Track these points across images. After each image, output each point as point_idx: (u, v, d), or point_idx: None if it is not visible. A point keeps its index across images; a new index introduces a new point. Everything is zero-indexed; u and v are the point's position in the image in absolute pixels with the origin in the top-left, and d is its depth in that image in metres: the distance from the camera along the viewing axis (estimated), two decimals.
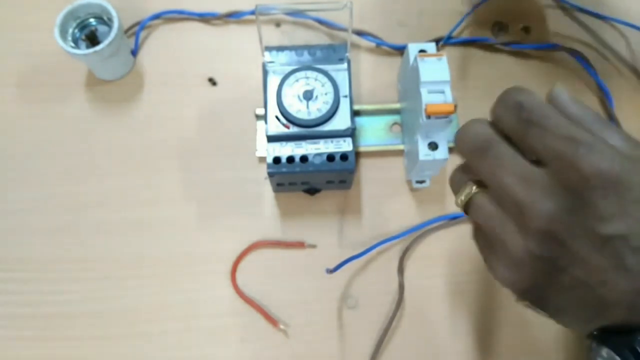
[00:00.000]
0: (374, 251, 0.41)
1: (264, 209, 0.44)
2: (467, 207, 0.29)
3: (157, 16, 0.49)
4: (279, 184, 0.42)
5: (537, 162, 0.26)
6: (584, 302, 0.27)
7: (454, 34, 0.49)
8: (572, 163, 0.24)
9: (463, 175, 0.30)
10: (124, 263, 0.42)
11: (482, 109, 0.46)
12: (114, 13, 0.43)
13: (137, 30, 0.48)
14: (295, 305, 0.41)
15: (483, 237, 0.30)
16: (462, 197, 0.29)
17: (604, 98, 0.47)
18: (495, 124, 0.28)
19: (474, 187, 0.29)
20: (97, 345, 0.40)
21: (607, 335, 0.26)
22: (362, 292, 0.42)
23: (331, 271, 0.39)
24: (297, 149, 0.39)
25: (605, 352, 0.26)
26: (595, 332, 0.27)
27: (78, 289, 0.41)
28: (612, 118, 0.46)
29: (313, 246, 0.43)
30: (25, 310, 0.40)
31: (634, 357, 0.24)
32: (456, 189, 0.30)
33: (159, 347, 0.40)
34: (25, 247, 0.42)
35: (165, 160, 0.45)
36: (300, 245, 0.42)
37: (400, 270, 0.42)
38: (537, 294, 0.28)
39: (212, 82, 0.47)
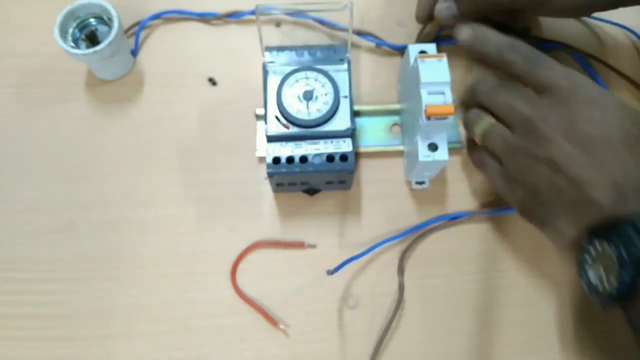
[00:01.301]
0: (374, 251, 0.41)
1: (263, 209, 0.44)
2: (484, 135, 0.38)
3: (157, 16, 0.49)
4: (278, 184, 0.42)
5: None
6: (575, 200, 0.34)
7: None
8: (572, 90, 0.35)
9: (479, 113, 0.39)
10: (124, 263, 0.42)
11: None
12: (114, 13, 0.43)
13: (137, 30, 0.48)
14: (295, 305, 0.41)
15: (491, 165, 0.39)
16: (482, 126, 0.38)
17: None
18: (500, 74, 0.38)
19: (492, 119, 0.38)
20: (97, 345, 0.40)
21: (596, 231, 0.32)
22: (362, 292, 0.42)
23: (331, 272, 0.39)
24: (296, 149, 0.39)
25: (592, 249, 0.32)
26: (582, 232, 0.33)
27: (78, 289, 0.41)
28: None
29: (313, 246, 0.43)
30: (25, 310, 0.40)
31: (621, 240, 0.30)
32: (473, 123, 0.39)
33: (159, 347, 0.40)
34: (25, 247, 0.42)
35: (165, 160, 0.45)
36: (300, 245, 0.42)
37: (400, 270, 0.42)
38: (537, 202, 0.36)
39: (212, 82, 0.47)
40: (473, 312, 0.41)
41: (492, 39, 0.39)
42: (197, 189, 0.44)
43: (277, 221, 0.43)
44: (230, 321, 0.41)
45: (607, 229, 0.31)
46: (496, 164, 0.39)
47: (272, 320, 0.40)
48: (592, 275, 0.32)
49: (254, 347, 0.40)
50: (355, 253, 0.40)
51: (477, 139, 0.39)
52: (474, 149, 0.42)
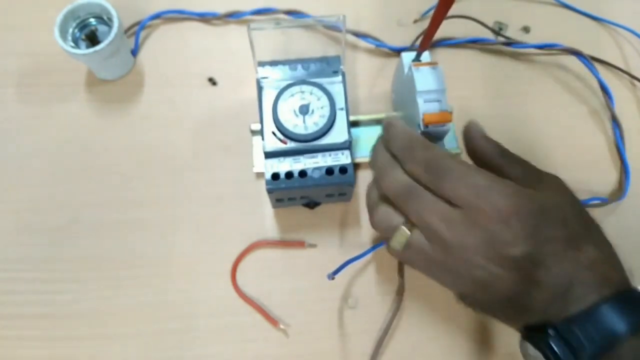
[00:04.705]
0: (374, 252, 0.41)
1: (263, 208, 0.44)
2: (402, 250, 0.34)
3: (157, 16, 0.49)
4: (278, 200, 0.41)
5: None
6: (509, 307, 0.33)
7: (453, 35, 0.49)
8: (480, 204, 0.31)
9: (394, 217, 0.34)
10: (124, 263, 0.42)
11: (482, 110, 0.47)
12: (114, 13, 0.43)
13: (137, 30, 0.48)
14: (295, 305, 0.41)
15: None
16: (400, 240, 0.34)
17: (606, 98, 0.47)
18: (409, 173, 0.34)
19: (407, 231, 0.33)
20: (97, 345, 0.40)
21: (528, 333, 0.32)
22: (362, 292, 0.42)
23: (332, 276, 0.38)
24: (295, 164, 0.39)
25: (530, 348, 0.32)
26: (521, 330, 0.33)
27: (78, 289, 0.41)
28: (613, 118, 0.47)
29: (313, 246, 0.43)
30: (25, 310, 0.40)
31: (549, 349, 0.30)
32: (387, 230, 0.34)
33: (159, 347, 0.40)
34: (25, 247, 0.42)
35: (165, 160, 0.45)
36: (300, 244, 0.42)
37: (400, 270, 0.42)
38: (474, 299, 0.34)
39: (212, 82, 0.47)
40: (473, 312, 0.41)
41: (379, 156, 0.36)
42: (197, 188, 0.44)
43: (277, 221, 0.43)
44: (230, 321, 0.41)
45: (536, 334, 0.31)
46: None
47: (272, 320, 0.40)
48: None
49: (254, 347, 0.40)
50: (355, 253, 0.40)
51: (393, 253, 0.36)
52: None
